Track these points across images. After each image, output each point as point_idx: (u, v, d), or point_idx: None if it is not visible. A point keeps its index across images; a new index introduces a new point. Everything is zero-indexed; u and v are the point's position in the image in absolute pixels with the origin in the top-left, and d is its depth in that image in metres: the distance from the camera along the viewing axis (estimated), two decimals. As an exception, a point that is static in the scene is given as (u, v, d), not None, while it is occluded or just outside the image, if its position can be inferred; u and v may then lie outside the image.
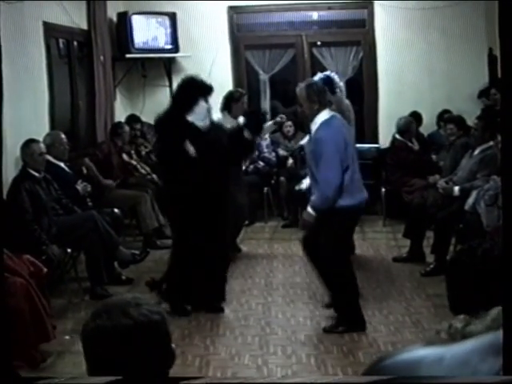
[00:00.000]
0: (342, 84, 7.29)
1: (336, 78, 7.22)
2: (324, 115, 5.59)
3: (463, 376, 1.50)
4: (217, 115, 7.29)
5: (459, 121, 8.46)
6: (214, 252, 6.10)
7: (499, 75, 2.28)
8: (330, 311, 6.03)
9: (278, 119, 8.98)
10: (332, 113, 5.70)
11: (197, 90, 5.90)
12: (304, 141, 8.52)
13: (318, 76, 7.27)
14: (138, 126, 9.70)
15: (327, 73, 7.32)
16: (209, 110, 6.02)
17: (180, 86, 6.08)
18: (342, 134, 5.61)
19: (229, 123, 7.48)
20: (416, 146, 9.26)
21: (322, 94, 5.68)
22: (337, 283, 5.80)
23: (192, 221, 5.97)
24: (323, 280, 5.96)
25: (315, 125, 5.59)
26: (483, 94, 9.48)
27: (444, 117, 9.70)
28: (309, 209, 5.63)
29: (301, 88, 5.73)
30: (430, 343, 1.81)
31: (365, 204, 5.95)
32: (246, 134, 6.11)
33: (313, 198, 5.67)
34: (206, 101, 5.94)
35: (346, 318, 5.77)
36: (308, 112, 5.67)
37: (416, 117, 9.57)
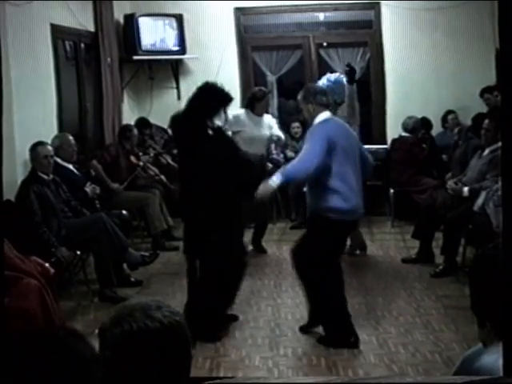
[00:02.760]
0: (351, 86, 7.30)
1: (343, 80, 7.24)
2: (322, 116, 5.52)
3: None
4: (235, 112, 7.49)
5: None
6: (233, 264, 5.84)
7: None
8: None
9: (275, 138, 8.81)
10: (330, 115, 5.60)
11: (220, 99, 5.78)
12: None
13: (327, 78, 7.29)
14: (148, 132, 9.67)
15: (336, 75, 7.34)
16: (226, 120, 5.94)
17: (202, 92, 5.78)
18: (335, 135, 5.42)
19: (252, 121, 7.74)
20: (425, 146, 9.28)
21: (320, 96, 5.59)
22: (322, 296, 5.60)
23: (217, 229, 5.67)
24: (307, 292, 5.79)
25: (312, 126, 5.59)
26: (486, 91, 9.44)
27: (448, 118, 9.76)
28: (274, 177, 5.44)
29: (300, 92, 5.73)
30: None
31: (358, 214, 5.67)
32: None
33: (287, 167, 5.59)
34: (225, 111, 5.85)
35: (334, 335, 5.57)
36: (306, 114, 5.66)
37: (425, 122, 9.54)
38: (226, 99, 5.77)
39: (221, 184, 5.52)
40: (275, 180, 5.42)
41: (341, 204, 5.38)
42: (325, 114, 5.53)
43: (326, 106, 5.59)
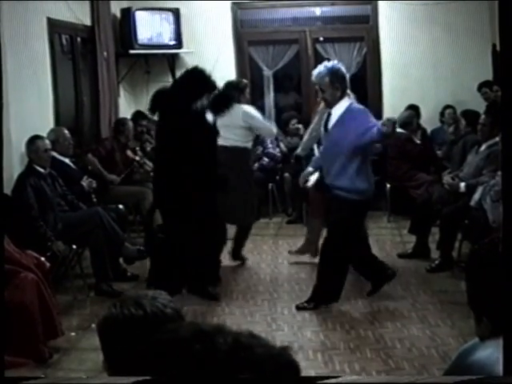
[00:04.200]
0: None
1: (342, 67, 7.20)
2: (346, 102, 5.79)
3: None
4: None
5: (472, 116, 8.40)
6: (204, 236, 6.28)
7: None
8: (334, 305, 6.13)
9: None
10: (350, 100, 5.89)
11: (204, 85, 5.94)
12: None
13: (324, 65, 7.26)
14: (145, 123, 9.66)
15: (333, 63, 7.32)
16: (206, 107, 6.10)
17: (189, 75, 6.11)
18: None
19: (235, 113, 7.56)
20: (418, 140, 9.27)
21: (344, 81, 5.81)
22: (331, 264, 6.01)
23: (183, 203, 6.15)
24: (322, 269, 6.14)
25: (337, 112, 5.77)
26: (484, 85, 9.44)
27: (445, 113, 9.76)
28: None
29: (322, 74, 5.78)
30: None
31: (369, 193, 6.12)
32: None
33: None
34: (208, 98, 6.00)
35: (322, 291, 6.02)
36: (330, 99, 5.74)
37: (414, 110, 9.55)
38: (211, 86, 5.99)
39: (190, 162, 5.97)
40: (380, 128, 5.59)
41: (364, 185, 5.93)
42: (347, 99, 5.83)
43: (345, 92, 5.85)
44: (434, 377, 3.52)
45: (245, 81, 8.18)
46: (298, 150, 8.01)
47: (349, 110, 5.76)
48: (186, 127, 6.00)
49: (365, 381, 1.98)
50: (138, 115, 9.74)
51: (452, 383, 1.80)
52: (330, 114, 5.89)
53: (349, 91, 6.18)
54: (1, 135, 2.79)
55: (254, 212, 7.93)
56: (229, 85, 7.49)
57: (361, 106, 6.02)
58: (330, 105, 5.91)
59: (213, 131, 6.25)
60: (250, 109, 7.61)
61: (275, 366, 1.34)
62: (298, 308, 6.14)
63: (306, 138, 7.78)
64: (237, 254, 7.61)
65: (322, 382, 1.78)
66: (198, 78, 6.03)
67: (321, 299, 6.11)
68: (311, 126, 7.54)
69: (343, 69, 6.78)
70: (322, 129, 6.09)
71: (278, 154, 9.63)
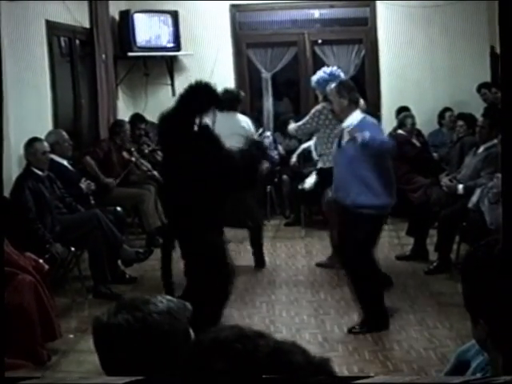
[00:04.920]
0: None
1: (341, 73, 7.25)
2: (357, 116, 5.64)
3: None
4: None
5: (470, 119, 8.44)
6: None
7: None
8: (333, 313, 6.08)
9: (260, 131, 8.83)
10: (364, 114, 5.75)
11: (212, 99, 5.74)
12: (308, 143, 8.53)
13: (323, 70, 7.29)
14: (143, 126, 9.66)
15: (332, 69, 7.35)
16: (213, 122, 5.92)
17: (194, 90, 5.72)
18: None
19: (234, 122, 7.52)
20: (417, 143, 9.28)
21: (352, 92, 5.72)
22: (362, 283, 5.75)
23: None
24: (353, 286, 5.89)
25: (349, 125, 5.61)
26: (483, 86, 9.45)
27: (446, 116, 9.76)
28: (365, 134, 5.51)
29: (331, 86, 5.78)
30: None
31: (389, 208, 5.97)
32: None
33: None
34: (214, 112, 5.84)
35: (371, 317, 5.72)
36: (337, 109, 5.71)
37: (404, 111, 9.58)
38: (218, 100, 5.78)
39: (204, 183, 5.48)
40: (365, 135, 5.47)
41: (375, 201, 5.60)
42: (358, 112, 5.68)
43: (356, 104, 5.71)
44: (441, 377, 3.51)
45: (243, 93, 8.21)
46: (291, 130, 7.96)
47: (361, 123, 5.60)
48: (194, 145, 5.62)
49: (397, 381, 1.98)
50: (136, 118, 9.75)
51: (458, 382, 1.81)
52: (343, 130, 5.73)
53: (362, 101, 6.17)
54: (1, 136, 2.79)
55: (261, 212, 7.97)
56: (228, 93, 7.52)
57: (374, 120, 5.95)
58: (339, 116, 5.81)
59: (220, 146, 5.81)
60: (246, 118, 7.70)
61: (313, 374, 1.35)
62: (350, 331, 5.74)
63: (300, 124, 7.69)
64: (261, 258, 7.66)
65: (356, 382, 1.79)
66: (204, 92, 5.79)
67: (372, 325, 5.74)
68: (305, 119, 7.51)
69: (337, 72, 6.76)
70: (335, 146, 5.95)
71: (276, 157, 9.63)
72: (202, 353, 1.37)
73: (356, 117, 5.64)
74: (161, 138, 6.31)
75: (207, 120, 5.72)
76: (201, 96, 5.64)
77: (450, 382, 1.61)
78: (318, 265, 7.56)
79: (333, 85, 5.81)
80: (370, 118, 5.81)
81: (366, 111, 6.18)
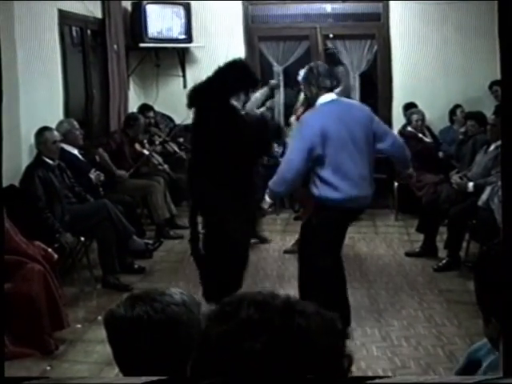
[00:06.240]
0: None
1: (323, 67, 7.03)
2: (324, 99, 5.35)
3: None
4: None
5: (480, 117, 8.41)
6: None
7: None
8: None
9: (273, 82, 8.82)
10: (334, 97, 5.39)
11: (249, 81, 5.71)
12: None
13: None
14: (151, 114, 9.68)
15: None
16: (245, 102, 5.89)
17: (233, 69, 5.70)
18: (328, 122, 5.19)
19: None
20: (428, 139, 9.25)
21: (323, 78, 5.38)
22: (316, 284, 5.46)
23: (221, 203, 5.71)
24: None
25: (304, 115, 5.53)
26: (495, 84, 9.41)
27: (457, 112, 9.72)
28: (266, 195, 5.46)
29: (300, 73, 5.65)
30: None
31: (358, 201, 5.37)
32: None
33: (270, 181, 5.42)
34: (248, 94, 5.80)
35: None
36: (308, 95, 5.59)
37: (412, 107, 9.57)
38: (255, 82, 5.79)
39: (236, 151, 5.54)
40: (266, 200, 5.47)
41: (331, 194, 5.22)
42: (327, 96, 5.35)
43: (329, 90, 5.40)
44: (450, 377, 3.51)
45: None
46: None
47: (303, 117, 5.47)
48: (225, 125, 5.62)
49: (414, 381, 1.98)
50: (144, 107, 9.77)
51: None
52: None
53: (340, 86, 6.03)
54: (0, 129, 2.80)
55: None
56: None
57: (326, 105, 5.38)
58: (310, 103, 5.64)
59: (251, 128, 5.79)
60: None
61: (322, 326, 1.43)
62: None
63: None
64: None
65: (371, 381, 1.79)
66: (244, 73, 5.67)
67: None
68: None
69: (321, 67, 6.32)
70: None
71: (278, 155, 9.57)
72: (227, 304, 1.42)
73: (320, 100, 5.34)
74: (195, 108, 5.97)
75: (240, 101, 5.73)
76: (239, 75, 5.60)
77: (464, 383, 1.60)
78: (286, 252, 7.74)
79: (302, 71, 5.62)
80: (332, 105, 5.34)
81: (348, 96, 6.01)
